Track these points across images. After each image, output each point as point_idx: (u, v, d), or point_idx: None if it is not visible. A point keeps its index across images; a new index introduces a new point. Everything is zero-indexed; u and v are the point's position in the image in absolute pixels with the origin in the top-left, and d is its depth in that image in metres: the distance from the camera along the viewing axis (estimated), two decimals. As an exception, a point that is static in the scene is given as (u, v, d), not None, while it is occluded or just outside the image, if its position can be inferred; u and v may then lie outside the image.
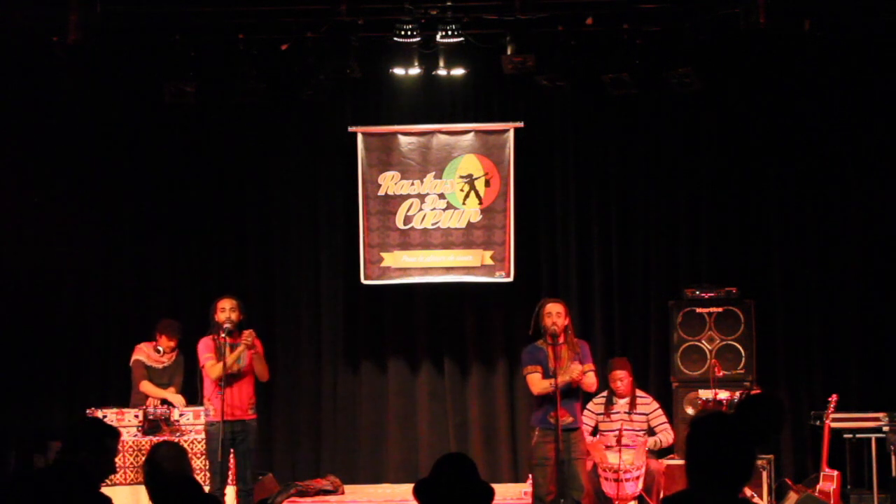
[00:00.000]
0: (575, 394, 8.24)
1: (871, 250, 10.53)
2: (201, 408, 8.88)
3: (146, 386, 9.54)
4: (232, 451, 8.52)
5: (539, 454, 8.15)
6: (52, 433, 10.18)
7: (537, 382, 8.16)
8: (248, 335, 8.49)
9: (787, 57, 10.25)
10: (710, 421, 3.69)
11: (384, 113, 10.96)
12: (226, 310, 8.49)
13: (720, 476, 3.59)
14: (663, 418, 9.22)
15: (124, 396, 9.77)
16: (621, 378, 9.12)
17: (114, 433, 5.04)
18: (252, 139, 11.01)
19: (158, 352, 9.65)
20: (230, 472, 8.60)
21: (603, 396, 9.14)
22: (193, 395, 9.40)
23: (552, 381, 7.98)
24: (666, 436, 9.13)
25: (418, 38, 9.83)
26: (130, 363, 9.68)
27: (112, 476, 8.91)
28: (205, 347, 8.59)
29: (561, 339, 8.14)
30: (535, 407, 8.37)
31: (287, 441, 10.88)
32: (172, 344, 9.68)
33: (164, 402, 9.45)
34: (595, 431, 9.10)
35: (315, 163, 11.09)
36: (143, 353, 9.66)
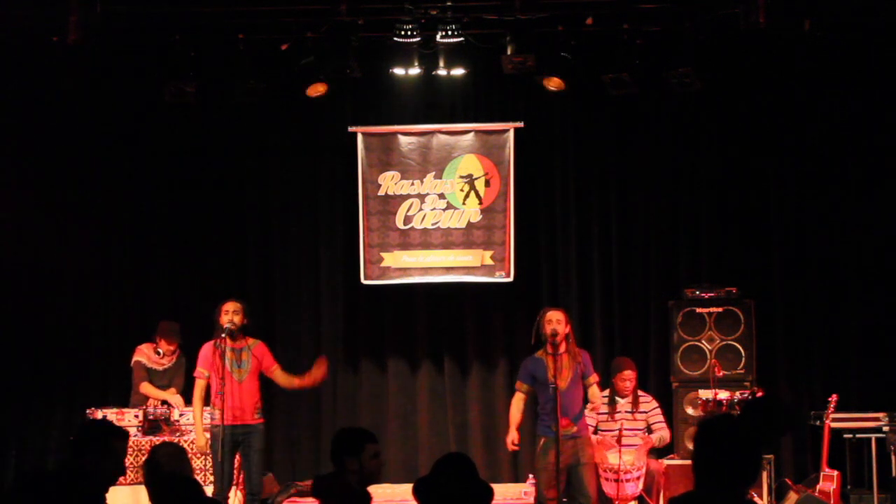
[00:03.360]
0: (576, 403, 8.27)
1: (872, 250, 10.52)
2: (207, 408, 8.86)
3: (146, 387, 9.54)
4: (237, 453, 8.49)
5: (543, 460, 8.20)
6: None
7: (514, 404, 8.51)
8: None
9: (787, 57, 10.25)
10: (717, 423, 3.72)
11: (384, 113, 10.96)
12: (229, 312, 8.47)
13: (727, 477, 3.62)
14: (660, 416, 9.24)
15: (124, 397, 9.77)
16: (630, 378, 9.12)
17: (120, 434, 5.00)
18: (252, 139, 11.01)
19: (158, 354, 9.66)
20: (234, 475, 8.58)
21: (605, 396, 9.13)
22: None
23: (513, 438, 8.40)
24: (664, 433, 9.15)
25: (418, 38, 9.82)
26: (131, 364, 9.68)
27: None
28: (203, 358, 8.56)
29: (562, 348, 8.17)
30: (539, 417, 8.41)
31: (287, 441, 10.88)
32: (172, 347, 9.69)
33: (165, 402, 9.45)
34: (595, 431, 9.10)
35: (315, 163, 11.09)
36: (144, 355, 9.66)
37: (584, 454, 8.23)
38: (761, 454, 3.76)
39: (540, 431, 8.34)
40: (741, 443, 3.66)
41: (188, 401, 9.37)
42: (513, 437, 8.42)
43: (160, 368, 9.65)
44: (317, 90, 10.20)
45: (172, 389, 9.58)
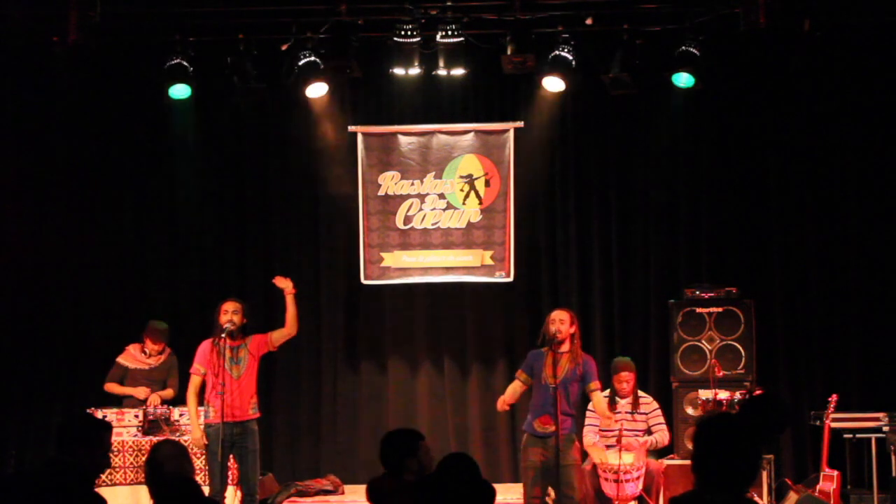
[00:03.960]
0: (565, 403, 8.22)
1: (872, 250, 10.52)
2: (202, 408, 8.86)
3: (111, 386, 9.59)
4: (233, 454, 8.49)
5: (526, 459, 8.19)
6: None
7: (508, 389, 8.43)
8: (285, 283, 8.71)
9: (787, 57, 10.24)
10: (716, 422, 3.73)
11: (384, 113, 10.97)
12: (228, 312, 8.47)
13: (727, 477, 3.63)
14: (661, 419, 9.23)
15: (123, 397, 9.77)
16: (627, 380, 9.13)
17: (107, 426, 5.04)
18: (252, 139, 11.01)
19: (144, 353, 9.68)
20: (230, 474, 8.57)
21: (605, 397, 9.13)
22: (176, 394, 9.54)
23: (502, 402, 8.37)
24: (661, 436, 9.13)
25: (418, 39, 9.82)
26: (116, 359, 9.72)
27: (112, 476, 9.01)
28: (200, 355, 8.57)
29: (564, 348, 8.14)
30: (530, 411, 8.40)
31: (287, 441, 10.88)
32: (158, 347, 9.70)
33: (165, 401, 9.46)
34: (598, 431, 9.10)
35: (315, 163, 11.09)
36: (130, 356, 9.70)
37: (567, 455, 8.11)
38: (760, 453, 3.77)
39: (524, 427, 8.31)
40: (740, 442, 3.66)
41: (180, 400, 9.34)
42: (501, 402, 8.40)
43: (146, 368, 9.66)
44: (317, 90, 10.20)
45: (143, 389, 9.60)
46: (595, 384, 8.31)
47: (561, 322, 8.19)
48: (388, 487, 5.23)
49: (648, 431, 9.15)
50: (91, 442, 4.86)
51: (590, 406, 9.10)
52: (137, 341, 9.81)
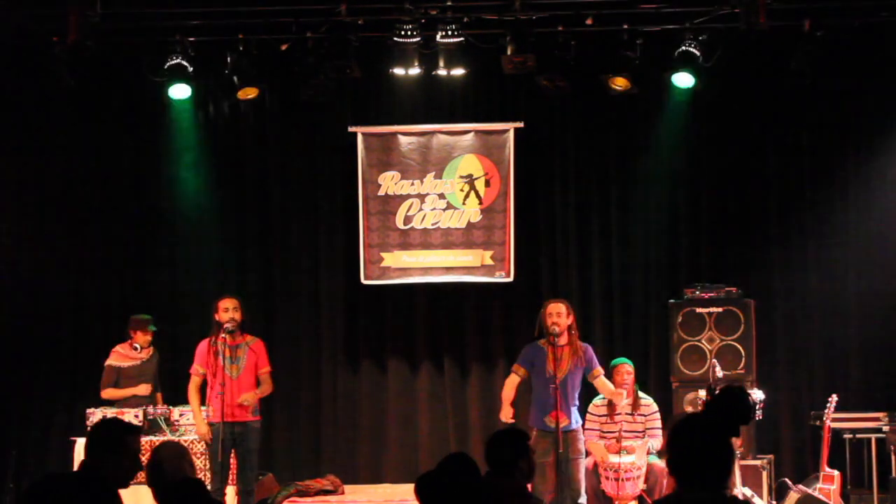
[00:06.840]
0: (572, 396, 8.28)
1: (871, 250, 10.52)
2: (204, 408, 8.87)
3: (109, 392, 9.54)
4: (234, 450, 8.50)
5: (537, 455, 8.15)
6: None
7: (508, 384, 8.46)
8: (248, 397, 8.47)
9: (787, 57, 10.24)
10: (683, 423, 3.78)
11: (384, 113, 10.96)
12: (229, 310, 8.47)
13: (704, 474, 3.68)
14: (658, 423, 9.21)
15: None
16: (628, 371, 9.12)
17: (133, 430, 4.99)
18: (252, 139, 11.01)
19: (136, 349, 9.65)
20: (231, 473, 8.58)
21: (604, 397, 9.13)
22: (176, 394, 9.46)
23: (508, 413, 8.29)
24: (655, 441, 9.12)
25: (418, 39, 9.82)
26: (104, 364, 9.67)
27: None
28: (199, 355, 8.57)
29: (563, 340, 8.17)
30: (532, 407, 8.39)
31: (287, 441, 10.88)
32: (148, 338, 9.66)
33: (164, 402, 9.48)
34: (601, 435, 9.09)
35: (315, 163, 11.09)
36: (118, 356, 9.66)
37: (574, 449, 8.22)
38: (732, 446, 3.83)
39: (531, 423, 8.31)
40: (710, 438, 3.71)
41: (181, 400, 9.32)
42: (507, 412, 8.36)
43: (137, 363, 9.64)
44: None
45: (143, 385, 9.57)
46: (597, 370, 8.44)
47: (558, 315, 8.20)
48: (503, 488, 5.17)
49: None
50: (117, 447, 4.82)
51: (590, 408, 9.10)
52: (121, 341, 9.78)
